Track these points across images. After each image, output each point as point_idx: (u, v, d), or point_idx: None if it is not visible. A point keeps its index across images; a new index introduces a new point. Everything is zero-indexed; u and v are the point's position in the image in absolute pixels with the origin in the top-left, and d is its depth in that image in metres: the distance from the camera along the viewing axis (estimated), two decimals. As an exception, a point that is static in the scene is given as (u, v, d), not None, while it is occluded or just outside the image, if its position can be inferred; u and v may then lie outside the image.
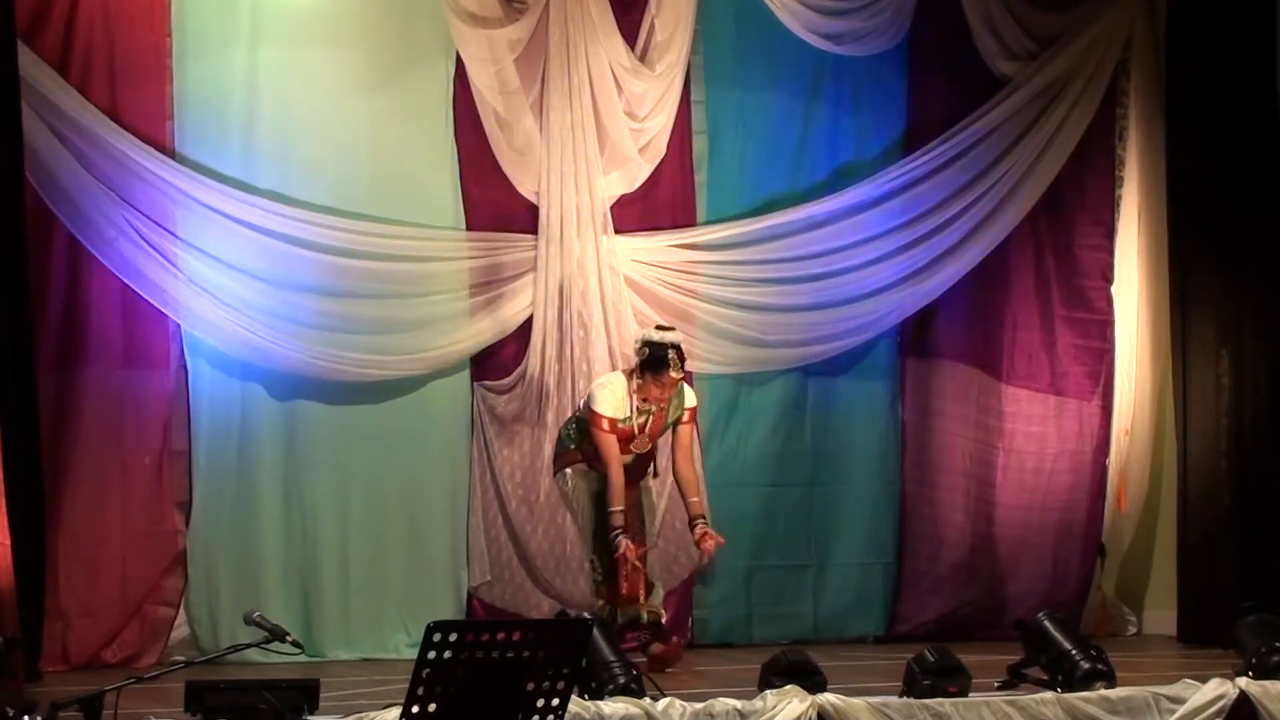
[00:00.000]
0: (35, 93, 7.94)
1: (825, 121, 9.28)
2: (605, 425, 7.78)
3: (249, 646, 5.60)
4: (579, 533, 8.17)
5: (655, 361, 7.76)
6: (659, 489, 8.37)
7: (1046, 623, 6.68)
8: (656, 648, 7.85)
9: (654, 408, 7.88)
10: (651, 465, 8.14)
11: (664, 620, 8.01)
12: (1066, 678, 6.49)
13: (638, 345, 7.90)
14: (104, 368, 8.21)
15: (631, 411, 7.85)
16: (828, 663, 6.54)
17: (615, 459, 7.76)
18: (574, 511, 8.06)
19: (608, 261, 8.79)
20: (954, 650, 6.50)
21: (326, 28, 8.58)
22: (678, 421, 7.98)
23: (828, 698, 6.14)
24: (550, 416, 8.61)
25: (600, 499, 7.87)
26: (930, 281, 9.29)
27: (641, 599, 7.80)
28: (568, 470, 7.97)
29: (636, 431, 7.87)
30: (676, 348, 7.82)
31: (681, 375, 7.87)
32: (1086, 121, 9.42)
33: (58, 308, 8.14)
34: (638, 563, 7.74)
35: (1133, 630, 9.52)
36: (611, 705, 5.99)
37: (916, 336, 9.41)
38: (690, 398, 8.04)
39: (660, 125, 8.91)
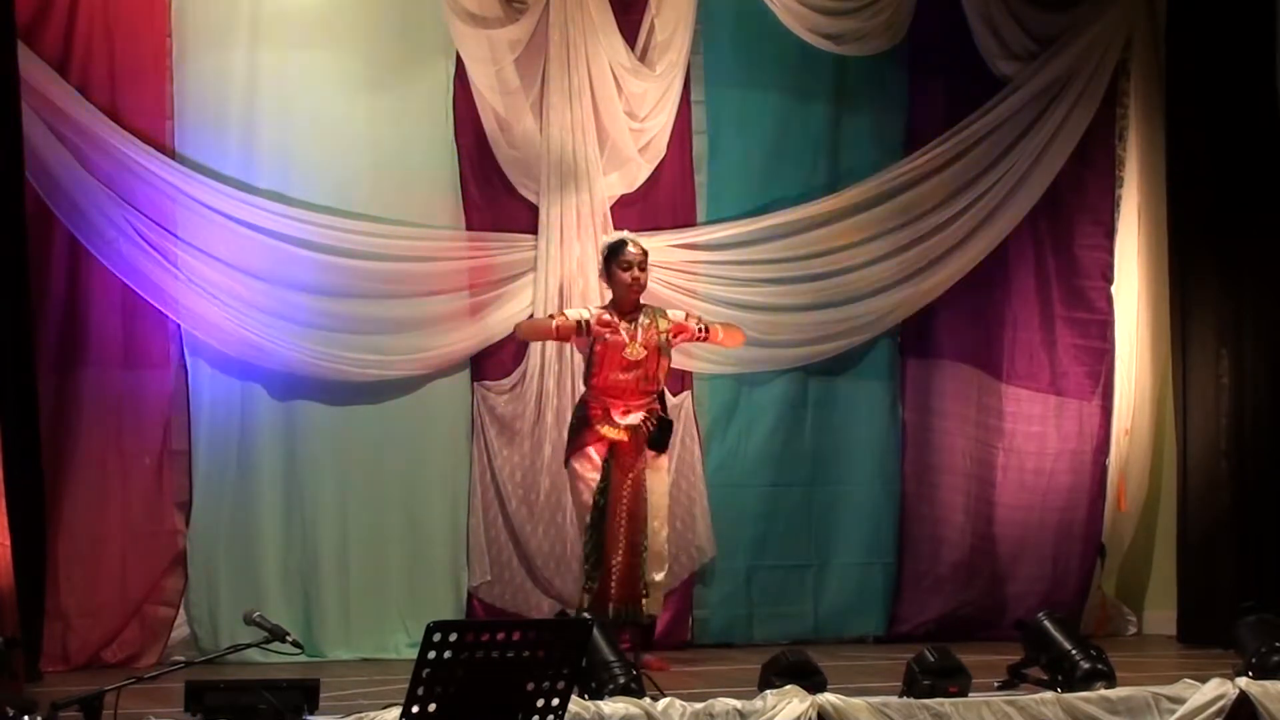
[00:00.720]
0: (35, 93, 7.92)
1: (825, 121, 9.27)
2: (559, 314, 8.07)
3: (249, 646, 5.61)
4: (575, 519, 8.17)
5: (613, 253, 7.96)
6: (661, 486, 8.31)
7: (1046, 623, 6.67)
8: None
9: (642, 321, 7.92)
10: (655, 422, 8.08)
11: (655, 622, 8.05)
12: (1066, 678, 6.48)
13: (598, 260, 8.12)
14: (104, 368, 8.19)
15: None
16: (828, 663, 6.53)
17: (530, 326, 8.21)
18: (576, 503, 8.06)
19: (608, 261, 8.81)
20: (954, 650, 6.49)
21: (326, 28, 8.57)
22: (692, 338, 8.10)
23: (828, 698, 6.14)
24: (550, 417, 8.60)
25: (603, 495, 7.87)
26: (930, 281, 9.29)
27: (641, 593, 7.79)
28: (574, 465, 7.97)
29: (626, 340, 7.91)
30: (631, 239, 8.03)
31: (642, 251, 7.98)
32: (1086, 121, 9.42)
33: (58, 308, 8.13)
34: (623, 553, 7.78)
35: (1133, 630, 9.52)
36: (611, 705, 5.98)
37: (916, 336, 9.40)
38: (674, 311, 8.15)
39: (660, 125, 8.91)
